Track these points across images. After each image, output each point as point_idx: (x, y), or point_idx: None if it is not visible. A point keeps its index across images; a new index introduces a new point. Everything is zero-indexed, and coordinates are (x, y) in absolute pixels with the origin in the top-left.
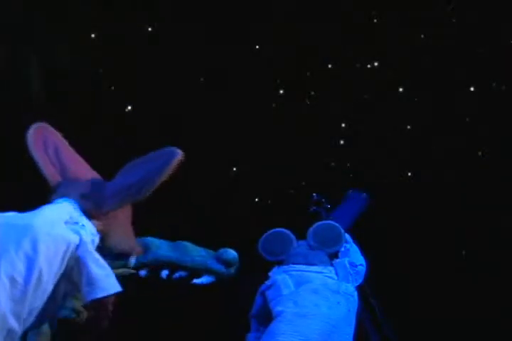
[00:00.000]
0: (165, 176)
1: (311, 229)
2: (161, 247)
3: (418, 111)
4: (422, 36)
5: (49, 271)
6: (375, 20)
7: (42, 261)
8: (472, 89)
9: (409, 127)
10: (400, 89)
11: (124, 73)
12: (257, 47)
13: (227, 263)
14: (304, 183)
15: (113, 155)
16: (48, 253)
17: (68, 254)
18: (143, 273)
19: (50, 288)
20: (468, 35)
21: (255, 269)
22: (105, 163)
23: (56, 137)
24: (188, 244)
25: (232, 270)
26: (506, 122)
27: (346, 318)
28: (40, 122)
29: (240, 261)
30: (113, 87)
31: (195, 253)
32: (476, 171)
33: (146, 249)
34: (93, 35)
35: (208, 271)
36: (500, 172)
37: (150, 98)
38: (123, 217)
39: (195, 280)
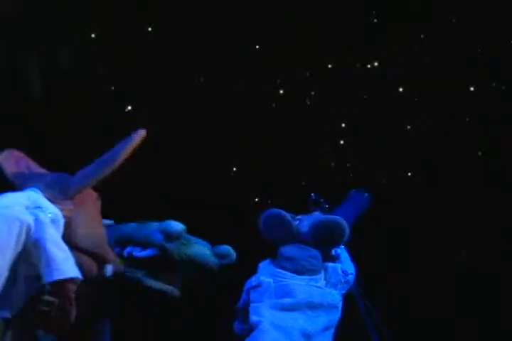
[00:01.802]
0: (126, 153)
1: (312, 225)
2: (110, 229)
3: (418, 111)
4: (422, 36)
5: (2, 254)
6: (375, 20)
7: None
8: (472, 89)
9: (409, 127)
10: (400, 89)
11: (124, 73)
12: (257, 47)
13: (168, 236)
14: (303, 183)
15: None
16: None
17: (23, 236)
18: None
19: (5, 271)
20: (468, 35)
21: (254, 269)
22: None
23: (28, 160)
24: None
25: (174, 244)
26: (506, 122)
27: (325, 329)
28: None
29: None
30: (113, 87)
31: (144, 228)
32: (476, 171)
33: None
34: (93, 35)
35: (150, 244)
36: (500, 172)
37: (150, 98)
38: (90, 209)
39: (139, 254)
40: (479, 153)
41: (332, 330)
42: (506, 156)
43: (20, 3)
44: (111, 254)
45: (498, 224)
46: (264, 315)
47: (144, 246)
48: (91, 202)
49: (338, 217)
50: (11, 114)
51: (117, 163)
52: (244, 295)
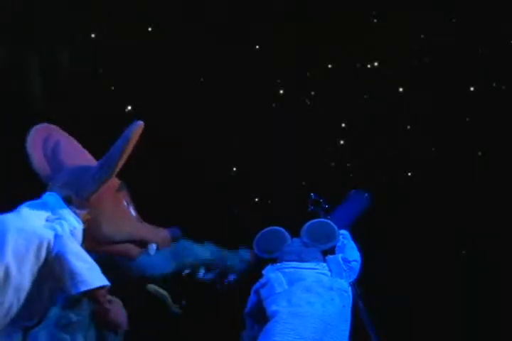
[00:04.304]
0: (128, 148)
1: (304, 227)
2: (197, 250)
3: (418, 111)
4: (422, 36)
5: (19, 267)
6: (375, 20)
7: (9, 256)
8: (472, 89)
9: (409, 127)
10: (400, 89)
11: (124, 73)
12: (257, 47)
13: (247, 263)
14: (304, 183)
15: None
16: (16, 248)
17: (43, 251)
18: (185, 272)
19: (26, 284)
20: (468, 35)
21: (254, 269)
22: None
23: (60, 135)
24: (211, 245)
25: None
26: (506, 122)
27: (341, 314)
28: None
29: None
30: (113, 87)
31: (225, 254)
32: (476, 171)
33: (182, 251)
34: (93, 35)
35: (234, 271)
36: (501, 172)
37: (150, 98)
38: (110, 204)
39: (232, 278)
40: (479, 153)
41: (348, 319)
42: (506, 156)
43: (20, 3)
44: (153, 234)
45: (499, 224)
46: (281, 304)
47: (225, 271)
48: (109, 196)
49: (324, 219)
50: (10, 114)
51: (121, 159)
52: (252, 297)
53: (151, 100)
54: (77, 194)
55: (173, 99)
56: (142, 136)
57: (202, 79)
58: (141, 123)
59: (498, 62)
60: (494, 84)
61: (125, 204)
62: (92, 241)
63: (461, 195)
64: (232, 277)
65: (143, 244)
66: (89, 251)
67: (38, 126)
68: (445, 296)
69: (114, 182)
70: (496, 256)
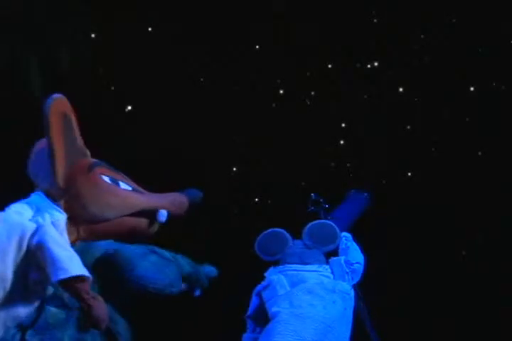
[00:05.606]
0: (54, 127)
1: (306, 228)
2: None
3: (418, 111)
4: (422, 36)
5: (2, 258)
6: (375, 20)
7: None
8: (472, 89)
9: (409, 127)
10: (400, 89)
11: (124, 73)
12: (257, 47)
13: (208, 280)
14: (303, 183)
15: (113, 155)
16: None
17: (25, 241)
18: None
19: (9, 274)
20: (468, 35)
21: (254, 269)
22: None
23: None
24: (186, 258)
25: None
26: (506, 122)
27: (342, 317)
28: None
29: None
30: (113, 87)
31: (198, 268)
32: (476, 171)
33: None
34: (93, 35)
35: (200, 286)
36: (500, 172)
37: (150, 98)
38: (86, 184)
39: (196, 293)
40: (479, 153)
41: (350, 321)
42: (506, 156)
43: (20, 3)
44: (157, 200)
45: (499, 224)
46: (283, 305)
47: (193, 285)
48: (81, 177)
49: (325, 221)
50: (10, 114)
51: (55, 142)
52: (254, 300)
53: (151, 100)
54: (50, 185)
55: (173, 99)
56: (142, 135)
57: (202, 79)
58: (55, 97)
59: (498, 62)
60: (494, 84)
61: (107, 180)
62: (88, 225)
63: (461, 195)
64: (197, 292)
65: (150, 213)
66: (94, 238)
67: (38, 143)
68: (445, 297)
69: (83, 163)
70: (495, 256)
